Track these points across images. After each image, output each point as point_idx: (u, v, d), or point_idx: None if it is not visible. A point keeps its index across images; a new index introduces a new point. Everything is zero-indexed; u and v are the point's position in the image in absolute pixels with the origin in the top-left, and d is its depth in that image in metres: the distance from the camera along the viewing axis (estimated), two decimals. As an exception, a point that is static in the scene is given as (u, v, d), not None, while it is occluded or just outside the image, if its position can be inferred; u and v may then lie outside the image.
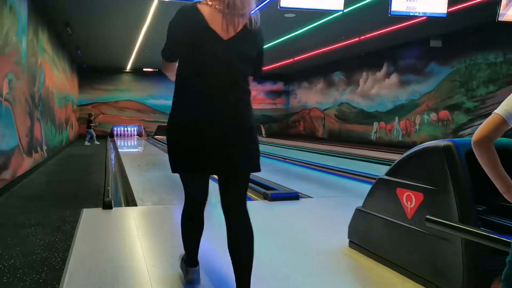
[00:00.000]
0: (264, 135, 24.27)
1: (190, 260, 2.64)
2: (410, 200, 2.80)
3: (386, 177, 3.09)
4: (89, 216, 4.50)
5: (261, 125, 24.83)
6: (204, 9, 2.19)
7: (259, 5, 9.52)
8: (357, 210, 3.39)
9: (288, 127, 25.06)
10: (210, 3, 2.20)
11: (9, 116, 6.51)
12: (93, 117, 18.12)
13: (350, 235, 3.46)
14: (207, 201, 2.57)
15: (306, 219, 4.57)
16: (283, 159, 11.01)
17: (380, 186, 3.17)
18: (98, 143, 16.87)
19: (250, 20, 2.25)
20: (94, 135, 17.24)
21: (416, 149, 2.86)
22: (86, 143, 16.61)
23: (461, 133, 12.69)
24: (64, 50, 14.82)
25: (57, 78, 12.81)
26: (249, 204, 5.29)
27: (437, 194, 2.58)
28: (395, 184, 2.95)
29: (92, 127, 17.23)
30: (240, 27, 2.21)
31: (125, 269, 2.98)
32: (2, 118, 6.10)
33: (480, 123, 1.57)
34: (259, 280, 2.69)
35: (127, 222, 4.37)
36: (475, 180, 2.42)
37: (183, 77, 2.29)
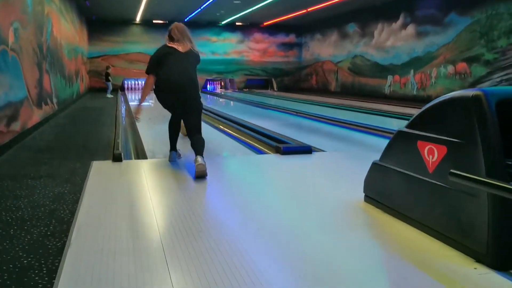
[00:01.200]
0: (275, 89, 23.96)
1: (172, 147, 4.75)
2: (432, 154, 2.65)
3: (406, 129, 2.93)
4: (99, 169, 4.42)
5: (272, 79, 24.48)
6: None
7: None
8: (374, 164, 3.25)
9: (300, 80, 24.64)
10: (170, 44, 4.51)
11: (16, 67, 6.37)
12: (110, 69, 18.22)
13: (365, 190, 3.34)
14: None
15: (320, 173, 4.46)
16: (295, 113, 10.84)
17: (399, 139, 3.01)
18: (112, 96, 16.86)
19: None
20: (111, 88, 17.54)
21: (440, 99, 2.69)
22: (108, 95, 16.96)
23: (479, 86, 12.32)
24: (72, 1, 14.46)
25: (66, 29, 12.56)
26: (260, 158, 5.24)
27: (462, 147, 2.43)
28: (416, 137, 2.80)
29: (110, 80, 17.56)
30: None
31: (134, 223, 2.92)
32: (9, 68, 5.97)
33: (500, 76, 1.39)
34: (272, 236, 2.61)
35: (136, 175, 4.29)
36: (505, 133, 2.26)
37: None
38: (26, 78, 6.92)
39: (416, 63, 14.88)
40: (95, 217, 2.97)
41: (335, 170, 4.61)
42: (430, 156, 2.67)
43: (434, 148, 2.63)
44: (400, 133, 3.00)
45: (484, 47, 12.12)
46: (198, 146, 4.23)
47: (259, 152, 5.64)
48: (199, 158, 4.08)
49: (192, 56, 4.48)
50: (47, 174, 4.32)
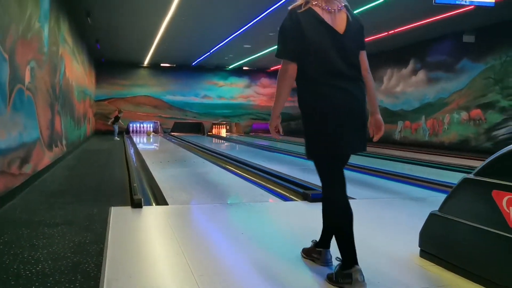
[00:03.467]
0: (281, 133, 23.78)
1: (351, 258, 2.44)
2: (513, 205, 2.35)
3: (475, 177, 2.63)
4: (119, 216, 4.10)
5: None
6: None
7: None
8: (433, 215, 2.94)
9: (307, 125, 24.52)
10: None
11: (31, 107, 6.15)
12: (122, 114, 18.48)
13: (422, 244, 3.00)
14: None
15: (359, 223, 4.11)
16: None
17: (466, 188, 2.71)
18: (118, 139, 16.65)
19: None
20: (117, 131, 17.62)
21: (520, 144, 2.41)
22: (116, 138, 16.99)
23: (494, 133, 12.12)
24: (83, 42, 14.51)
25: (77, 70, 12.49)
26: (289, 205, 4.92)
27: (555, 199, 2.13)
28: (489, 185, 2.50)
29: (116, 123, 17.60)
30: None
31: (168, 276, 2.58)
32: (24, 108, 5.74)
33: None
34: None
35: (161, 222, 3.98)
36: None
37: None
38: (39, 118, 6.69)
39: (428, 109, 14.76)
40: (124, 271, 2.63)
41: (375, 220, 4.25)
42: (511, 208, 2.36)
43: (516, 199, 2.33)
44: (467, 181, 2.70)
45: (499, 94, 11.99)
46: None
47: (286, 199, 5.32)
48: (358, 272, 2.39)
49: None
50: (63, 220, 3.99)
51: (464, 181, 2.72)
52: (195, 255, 2.96)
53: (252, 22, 12.31)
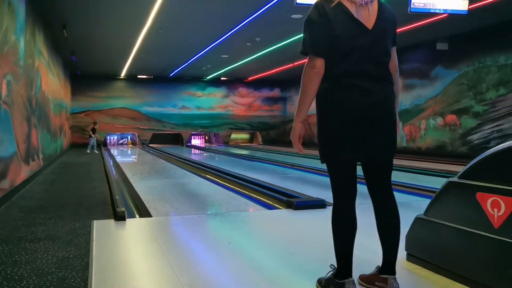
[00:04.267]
0: (261, 143, 23.89)
1: (347, 269, 2.40)
2: (497, 207, 2.40)
3: (459, 180, 2.68)
4: (102, 229, 4.04)
5: (258, 133, 24.47)
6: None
7: (269, 3, 9.14)
8: (418, 219, 2.98)
9: (286, 134, 24.64)
10: None
11: (7, 121, 6.03)
12: (98, 125, 17.79)
13: (409, 247, 3.04)
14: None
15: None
16: (289, 166, 10.60)
17: (451, 191, 2.76)
18: (93, 151, 16.38)
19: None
20: (95, 144, 16.87)
21: (500, 147, 2.47)
22: (88, 150, 16.42)
23: (469, 137, 12.38)
24: (59, 55, 14.31)
25: (52, 83, 12.31)
26: (272, 213, 4.92)
27: (538, 199, 2.18)
28: (474, 188, 2.55)
29: (92, 136, 16.85)
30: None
31: (159, 291, 2.55)
32: (1, 122, 5.62)
33: (490, 127, 1.17)
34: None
35: (145, 235, 3.92)
36: None
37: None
38: (16, 132, 6.56)
39: (405, 115, 15.00)
40: (112, 285, 2.59)
41: (359, 226, 4.28)
42: (495, 210, 2.41)
43: (500, 200, 2.38)
44: (451, 184, 2.75)
45: (473, 99, 12.28)
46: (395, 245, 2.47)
47: (269, 207, 5.32)
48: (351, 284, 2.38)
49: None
50: (45, 236, 3.91)
51: (449, 184, 2.77)
52: (183, 266, 2.93)
53: (229, 33, 12.35)
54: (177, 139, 23.31)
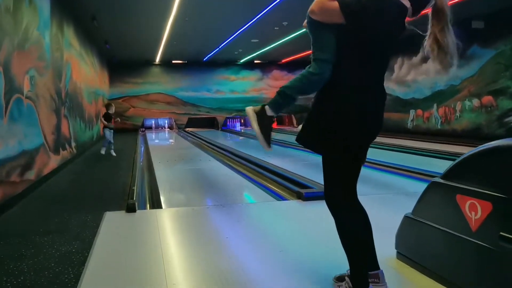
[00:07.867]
0: (295, 125, 23.77)
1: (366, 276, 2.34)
2: (474, 210, 2.34)
3: (442, 180, 2.63)
4: (111, 221, 4.20)
5: (293, 115, 24.36)
6: None
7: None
8: (406, 217, 2.94)
9: (320, 116, 24.42)
10: None
11: (31, 115, 6.30)
12: (113, 108, 11.06)
13: (398, 246, 3.02)
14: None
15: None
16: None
17: (434, 191, 2.71)
18: (114, 154, 10.49)
19: None
20: (111, 139, 10.66)
21: (483, 147, 2.40)
22: (102, 151, 10.58)
23: (507, 119, 11.89)
24: (93, 44, 14.69)
25: (86, 72, 12.68)
26: (281, 204, 4.94)
27: (510, 205, 2.12)
28: (454, 189, 2.50)
29: (110, 126, 10.66)
30: None
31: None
32: (24, 116, 5.88)
33: None
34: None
35: (150, 228, 4.04)
36: None
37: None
38: (42, 125, 6.85)
39: (439, 97, 14.54)
40: (100, 283, 2.71)
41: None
42: (473, 213, 2.36)
43: (477, 204, 2.32)
44: (435, 184, 2.69)
45: (510, 80, 11.74)
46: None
47: (280, 197, 5.35)
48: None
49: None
50: (56, 229, 4.10)
51: (432, 184, 2.72)
52: (174, 263, 3.02)
53: (256, 18, 12.29)
54: (213, 123, 23.56)
